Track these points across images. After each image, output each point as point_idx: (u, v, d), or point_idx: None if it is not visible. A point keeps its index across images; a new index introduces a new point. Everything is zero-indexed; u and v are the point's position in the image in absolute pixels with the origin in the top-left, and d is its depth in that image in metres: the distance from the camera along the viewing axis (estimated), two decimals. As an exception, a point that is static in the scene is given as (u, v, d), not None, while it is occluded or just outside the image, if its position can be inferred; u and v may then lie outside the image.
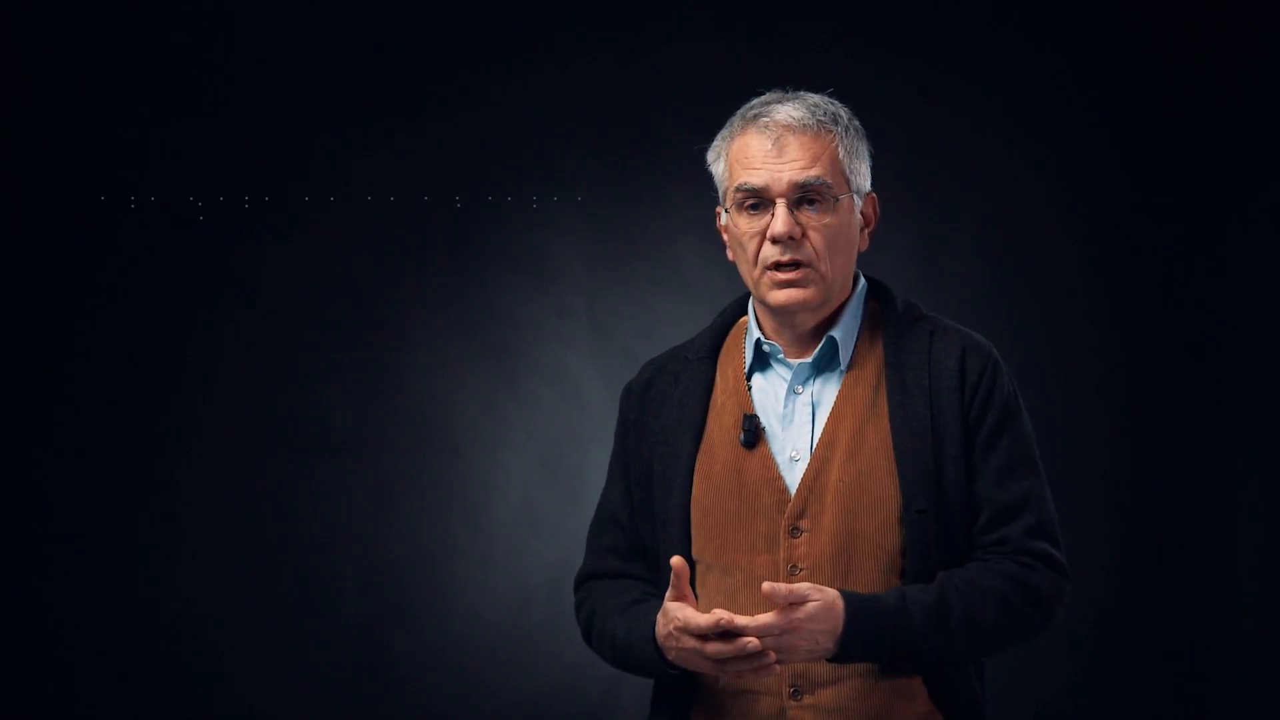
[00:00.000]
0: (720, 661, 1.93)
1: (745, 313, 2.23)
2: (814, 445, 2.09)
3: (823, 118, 2.10)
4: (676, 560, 1.96)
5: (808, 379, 2.13)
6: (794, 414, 2.11)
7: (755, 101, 2.15)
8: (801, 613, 1.92)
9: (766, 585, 1.91)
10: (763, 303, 2.13)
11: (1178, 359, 3.87)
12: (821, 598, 1.94)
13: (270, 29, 3.86)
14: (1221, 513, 3.85)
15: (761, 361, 2.16)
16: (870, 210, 2.17)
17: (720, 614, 1.91)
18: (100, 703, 3.77)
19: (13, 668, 3.76)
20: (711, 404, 2.16)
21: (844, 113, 2.14)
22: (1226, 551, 3.85)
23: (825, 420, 2.09)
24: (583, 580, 2.25)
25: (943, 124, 3.89)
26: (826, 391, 2.12)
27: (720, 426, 2.13)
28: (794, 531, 2.06)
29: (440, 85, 3.89)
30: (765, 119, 2.10)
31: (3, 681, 3.75)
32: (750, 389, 2.15)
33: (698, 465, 2.12)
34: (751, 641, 1.90)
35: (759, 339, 2.15)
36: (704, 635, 1.93)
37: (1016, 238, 3.90)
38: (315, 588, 3.82)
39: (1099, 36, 3.89)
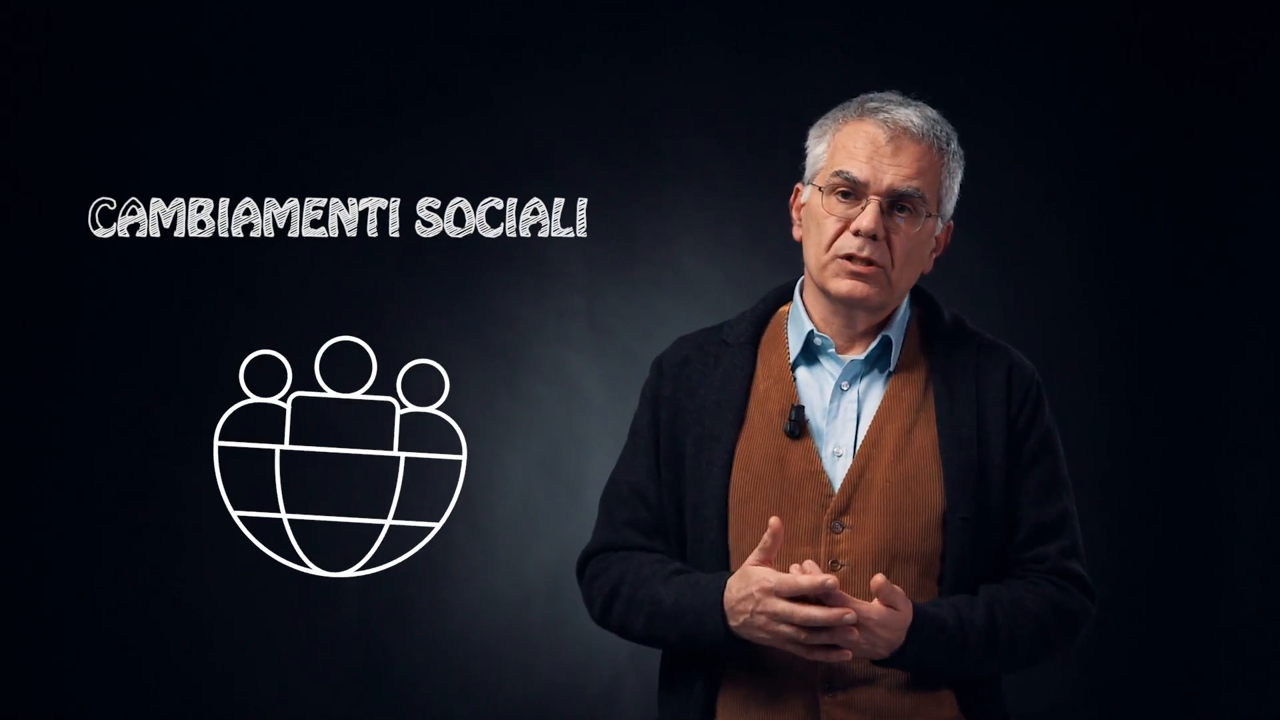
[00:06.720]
0: (806, 630, 1.92)
1: (787, 301, 2.22)
2: (858, 443, 2.09)
3: (939, 135, 2.10)
4: (775, 521, 1.95)
5: (855, 377, 2.13)
6: (839, 410, 2.11)
7: (874, 95, 2.13)
8: (879, 614, 1.94)
9: (878, 577, 1.92)
10: (822, 289, 2.12)
11: (1178, 359, 3.87)
12: (904, 609, 1.96)
13: (271, 29, 3.85)
14: (1221, 513, 3.85)
15: (808, 354, 2.16)
16: (945, 237, 2.18)
17: (827, 576, 1.91)
18: (100, 703, 3.76)
19: (13, 668, 3.76)
20: (753, 391, 2.15)
21: (955, 139, 2.14)
22: (1226, 551, 3.84)
23: (871, 419, 2.10)
24: (596, 552, 2.20)
25: (943, 124, 3.89)
26: (872, 391, 2.12)
27: (762, 414, 2.12)
28: (835, 527, 2.06)
29: (440, 85, 3.88)
30: (886, 115, 2.09)
31: (3, 681, 3.75)
32: (795, 380, 2.15)
33: (737, 451, 2.11)
34: (850, 613, 1.90)
35: (811, 330, 2.15)
36: (803, 598, 1.91)
37: (1016, 238, 3.90)
38: (315, 588, 3.82)
39: (1099, 36, 3.89)
